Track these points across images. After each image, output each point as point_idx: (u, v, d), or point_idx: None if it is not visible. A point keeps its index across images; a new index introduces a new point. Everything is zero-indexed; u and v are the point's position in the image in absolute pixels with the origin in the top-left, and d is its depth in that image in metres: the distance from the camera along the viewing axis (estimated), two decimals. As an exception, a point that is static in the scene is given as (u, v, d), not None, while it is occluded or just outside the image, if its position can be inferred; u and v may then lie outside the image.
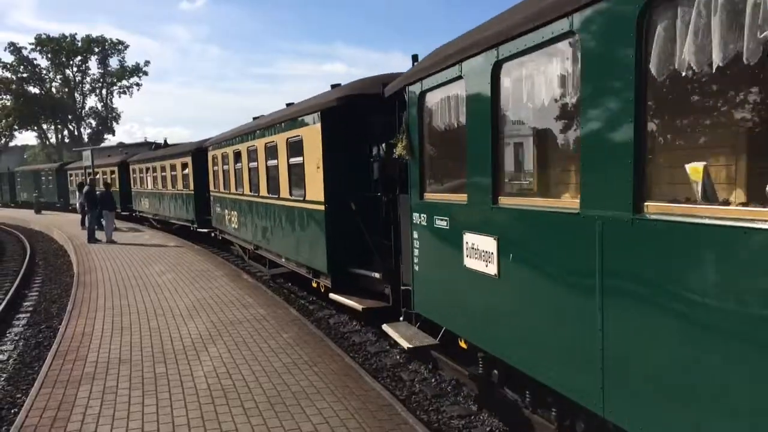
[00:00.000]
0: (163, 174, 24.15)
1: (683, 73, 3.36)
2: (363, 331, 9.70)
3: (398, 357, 8.35)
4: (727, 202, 3.70)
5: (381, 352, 8.64)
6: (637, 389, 3.71)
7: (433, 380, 7.40)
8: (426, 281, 7.01)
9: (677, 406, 3.42)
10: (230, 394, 6.11)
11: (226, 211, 17.08)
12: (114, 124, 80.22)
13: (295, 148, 10.81)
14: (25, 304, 13.07)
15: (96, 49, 76.33)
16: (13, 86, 73.91)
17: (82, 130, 78.43)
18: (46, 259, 19.68)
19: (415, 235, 7.11)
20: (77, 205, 25.68)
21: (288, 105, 12.52)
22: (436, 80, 6.34)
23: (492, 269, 5.34)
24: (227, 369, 6.89)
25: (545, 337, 4.63)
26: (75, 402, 6.02)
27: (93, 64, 77.75)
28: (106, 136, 78.02)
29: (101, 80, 77.96)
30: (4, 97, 74.44)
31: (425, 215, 6.79)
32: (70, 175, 40.44)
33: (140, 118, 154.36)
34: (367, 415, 5.52)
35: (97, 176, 30.65)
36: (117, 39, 78.17)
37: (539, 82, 4.69)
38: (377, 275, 8.87)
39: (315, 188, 9.94)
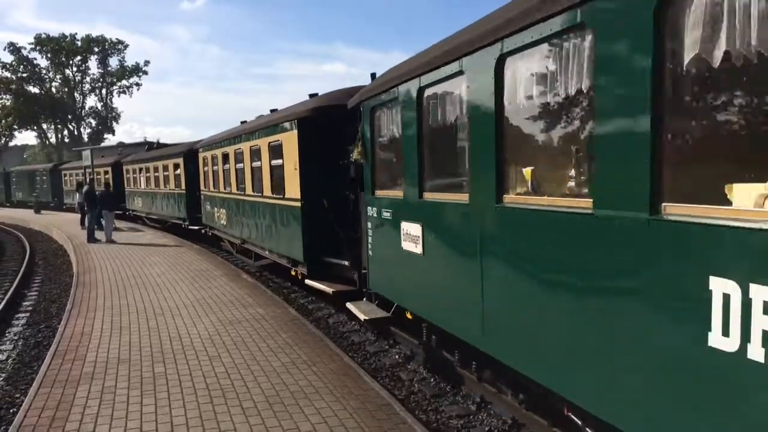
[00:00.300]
0: (156, 174, 25.02)
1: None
2: (362, 330, 9.70)
3: (397, 357, 8.35)
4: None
5: (380, 352, 8.64)
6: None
7: (432, 380, 7.40)
8: (377, 263, 8.31)
9: (524, 339, 4.86)
10: (229, 393, 6.11)
11: (216, 209, 18.11)
12: (114, 123, 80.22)
13: (276, 151, 11.96)
14: (25, 303, 13.07)
15: (96, 49, 76.35)
16: (13, 86, 73.90)
17: (81, 129, 78.43)
18: (45, 259, 19.68)
19: (369, 225, 8.42)
20: (76, 204, 25.85)
21: (272, 111, 13.66)
22: (381, 99, 7.68)
23: (419, 249, 6.74)
24: (226, 369, 6.89)
25: (452, 298, 6.06)
26: (74, 401, 6.02)
27: (93, 64, 77.83)
28: (105, 135, 78.03)
29: (101, 80, 77.97)
30: (4, 96, 74.45)
31: (375, 208, 8.11)
32: (65, 175, 41.39)
33: (140, 118, 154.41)
34: (366, 415, 5.52)
35: (90, 175, 30.14)
36: (117, 39, 78.17)
37: (449, 107, 6.16)
38: (346, 263, 9.96)
39: (293, 187, 11.09)
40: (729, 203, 3.14)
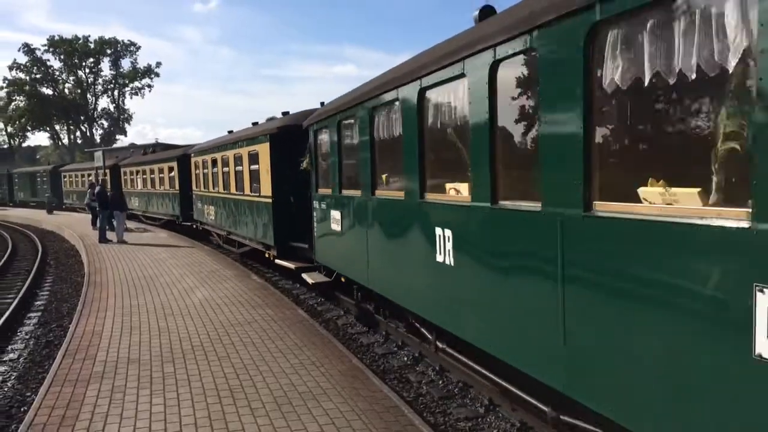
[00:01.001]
0: (152, 176, 27.49)
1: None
2: (371, 333, 9.70)
3: (406, 359, 8.34)
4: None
5: (388, 354, 8.63)
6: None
7: (440, 382, 7.39)
8: (320, 242, 11.35)
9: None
10: (237, 394, 6.13)
11: (205, 206, 20.66)
12: (126, 125, 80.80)
13: (254, 158, 14.72)
14: (37, 303, 13.17)
15: (108, 51, 76.93)
16: (27, 87, 74.58)
17: (94, 131, 79.04)
18: (57, 259, 19.83)
19: (315, 215, 11.52)
20: (86, 205, 26.47)
21: (253, 124, 16.43)
22: (319, 125, 10.93)
23: (338, 228, 9.93)
24: (234, 369, 6.92)
25: (355, 259, 9.16)
26: (84, 401, 6.06)
27: (105, 66, 78.29)
28: (117, 137, 78.64)
29: (113, 81, 78.57)
30: (18, 98, 75.15)
31: (318, 202, 11.29)
32: (64, 177, 43.96)
33: (152, 119, 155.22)
34: (374, 417, 5.52)
35: (90, 177, 34.81)
36: (129, 40, 78.73)
37: (358, 134, 8.74)
38: (306, 245, 12.53)
39: (266, 187, 13.84)
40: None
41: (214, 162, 18.78)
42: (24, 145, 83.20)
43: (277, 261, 13.56)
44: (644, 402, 3.65)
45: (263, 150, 13.93)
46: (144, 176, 28.67)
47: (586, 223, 4.03)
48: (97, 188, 22.34)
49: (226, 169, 17.42)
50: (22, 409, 7.02)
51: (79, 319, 9.69)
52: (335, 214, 10.06)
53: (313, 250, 11.80)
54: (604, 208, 3.93)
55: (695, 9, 3.27)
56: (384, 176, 8.07)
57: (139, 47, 78.90)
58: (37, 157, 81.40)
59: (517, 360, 5.11)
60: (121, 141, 74.98)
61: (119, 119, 79.70)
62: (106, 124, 79.64)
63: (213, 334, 8.45)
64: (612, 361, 3.91)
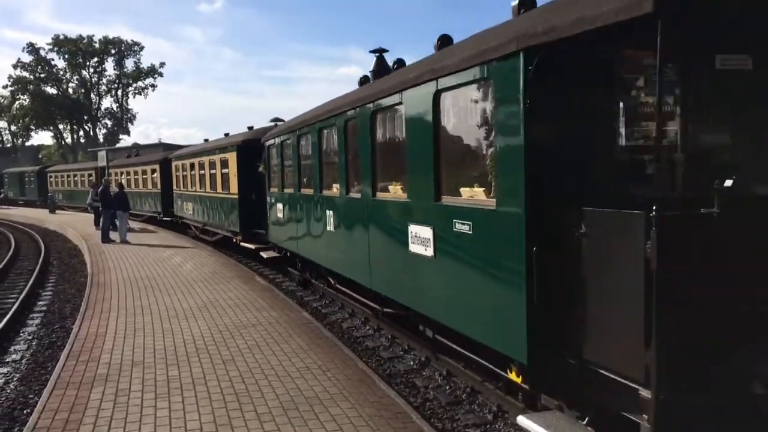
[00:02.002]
0: (136, 177, 30.95)
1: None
2: (376, 336, 9.62)
3: (412, 363, 8.25)
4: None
5: (394, 358, 8.54)
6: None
7: (447, 387, 7.30)
8: (272, 227, 14.85)
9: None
10: (243, 398, 6.05)
11: (184, 203, 24.00)
12: (129, 125, 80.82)
13: (224, 163, 18.38)
14: (39, 303, 13.10)
15: (112, 51, 76.98)
16: (31, 86, 74.65)
17: (97, 130, 79.07)
18: (60, 259, 19.77)
19: (268, 207, 14.97)
20: (88, 205, 26.90)
21: (226, 135, 20.55)
22: (270, 141, 14.55)
23: (282, 216, 13.53)
24: (240, 372, 6.84)
25: (291, 235, 12.72)
26: (87, 404, 5.99)
27: (109, 65, 78.35)
28: (121, 136, 78.65)
29: (117, 81, 78.61)
30: (22, 96, 75.23)
31: (269, 197, 14.81)
32: (50, 177, 47.72)
33: (155, 119, 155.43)
34: (382, 423, 5.44)
35: (77, 178, 40.40)
36: (133, 40, 78.76)
37: (297, 150, 12.03)
38: (263, 231, 15.72)
39: (233, 186, 17.47)
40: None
41: (192, 166, 22.27)
42: (27, 144, 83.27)
43: (242, 244, 17.01)
44: (387, 279, 8.06)
45: (231, 157, 17.59)
46: (128, 177, 31.89)
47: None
48: (100, 188, 22.31)
49: (202, 172, 20.90)
50: (24, 412, 6.95)
51: (83, 320, 9.62)
52: (280, 206, 13.83)
53: (268, 233, 15.28)
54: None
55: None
56: (305, 179, 11.81)
57: (142, 47, 78.98)
58: (40, 156, 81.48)
59: (353, 275, 9.38)
60: (125, 141, 75.04)
61: (122, 119, 79.75)
62: (109, 123, 79.70)
63: (218, 337, 8.38)
64: (384, 268, 8.05)
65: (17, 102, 75.89)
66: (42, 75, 75.43)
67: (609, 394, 4.35)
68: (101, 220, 21.56)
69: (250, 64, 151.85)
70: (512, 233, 4.98)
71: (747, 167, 4.21)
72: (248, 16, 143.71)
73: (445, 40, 7.15)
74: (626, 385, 4.12)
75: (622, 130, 4.47)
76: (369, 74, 9.91)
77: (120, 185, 24.07)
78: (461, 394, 7.05)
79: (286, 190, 13.07)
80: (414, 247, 6.86)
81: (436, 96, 6.30)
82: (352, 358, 7.52)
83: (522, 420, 4.95)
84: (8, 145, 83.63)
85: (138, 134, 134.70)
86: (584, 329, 4.50)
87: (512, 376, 5.56)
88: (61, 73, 76.97)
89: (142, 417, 5.64)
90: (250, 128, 18.42)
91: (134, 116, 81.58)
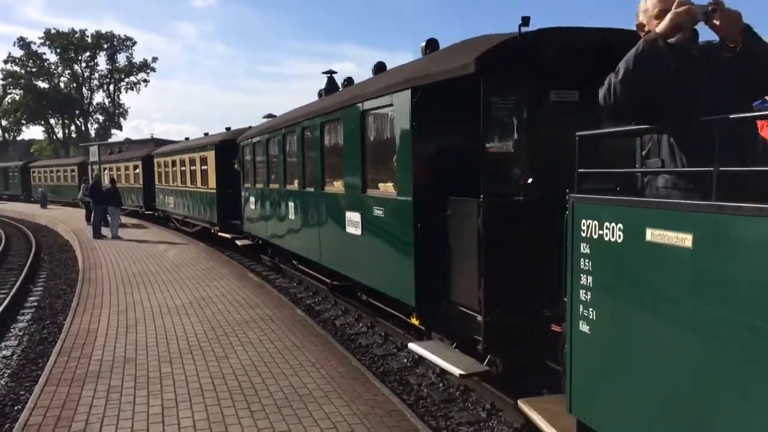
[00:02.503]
0: (119, 173, 32.65)
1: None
2: (369, 333, 9.60)
3: (405, 360, 8.24)
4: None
5: (388, 355, 8.53)
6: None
7: (441, 385, 7.29)
8: (246, 218, 16.22)
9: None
10: (236, 395, 6.02)
11: (166, 197, 25.68)
12: (121, 120, 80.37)
13: (203, 161, 20.14)
14: (30, 299, 13.02)
15: (105, 45, 76.51)
16: (22, 80, 74.10)
17: (89, 125, 78.60)
18: (51, 254, 19.66)
19: (242, 201, 16.50)
20: (79, 200, 27.18)
21: (205, 134, 22.74)
22: (244, 142, 16.29)
23: (254, 208, 15.18)
24: (233, 370, 6.81)
25: (260, 223, 14.71)
26: (79, 401, 5.94)
27: (101, 60, 77.87)
28: (113, 131, 78.23)
29: (109, 76, 78.13)
30: (13, 91, 74.69)
31: (244, 192, 16.32)
32: (33, 172, 49.64)
33: (148, 114, 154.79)
34: (376, 421, 5.42)
35: (59, 173, 42.96)
36: (125, 35, 78.35)
37: (266, 151, 14.01)
38: (238, 222, 17.15)
39: (212, 181, 19.09)
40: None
41: (174, 162, 24.04)
42: (19, 138, 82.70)
43: (220, 234, 18.68)
44: (332, 255, 9.97)
45: (210, 155, 19.36)
46: (111, 173, 32.98)
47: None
48: (91, 183, 22.18)
49: (183, 168, 22.65)
50: (15, 408, 6.89)
51: (74, 316, 9.56)
52: (252, 199, 15.37)
53: (242, 224, 16.69)
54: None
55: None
56: (272, 176, 13.60)
57: (135, 42, 78.49)
58: (31, 151, 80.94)
59: (309, 254, 11.31)
60: (116, 136, 74.64)
61: (114, 114, 79.31)
62: (101, 118, 79.25)
63: (210, 334, 8.34)
64: (330, 246, 9.91)
65: (8, 96, 75.35)
66: (33, 69, 74.91)
67: (464, 323, 6.31)
68: (93, 215, 21.44)
69: (243, 59, 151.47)
70: (406, 215, 6.97)
71: (554, 170, 5.19)
72: (241, 12, 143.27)
73: (380, 67, 9.30)
74: (471, 314, 6.12)
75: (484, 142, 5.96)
76: (322, 91, 12.46)
77: (112, 180, 23.95)
78: (455, 392, 7.05)
79: (258, 185, 14.90)
80: (349, 228, 8.85)
81: (362, 114, 8.26)
82: (346, 356, 7.50)
83: (412, 346, 7.20)
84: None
85: (130, 129, 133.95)
86: (449, 279, 6.54)
87: (413, 320, 7.77)
88: (53, 67, 76.49)
89: (134, 414, 5.60)
90: (228, 129, 20.54)
91: (126, 111, 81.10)
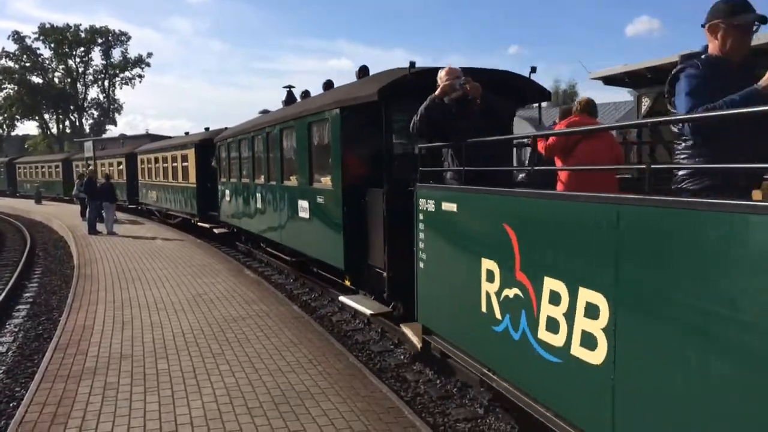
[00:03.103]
0: (103, 169, 33.27)
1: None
2: (366, 329, 9.60)
3: (402, 357, 8.24)
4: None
5: (385, 352, 8.52)
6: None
7: (438, 382, 7.29)
8: (222, 208, 18.19)
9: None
10: (233, 392, 6.00)
11: (149, 192, 27.62)
12: (116, 115, 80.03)
13: (184, 158, 22.01)
14: (25, 295, 12.97)
15: (99, 40, 76.13)
16: (16, 75, 73.67)
17: (84, 121, 78.25)
18: (46, 250, 19.58)
19: (219, 193, 18.38)
20: (74, 196, 27.30)
21: (186, 134, 25.37)
22: (220, 142, 18.08)
23: (228, 200, 17.40)
24: (230, 366, 6.79)
25: (234, 212, 16.89)
26: (76, 398, 5.91)
27: (96, 55, 77.52)
28: (107, 127, 77.90)
29: (104, 71, 77.79)
30: (8, 86, 74.24)
31: (220, 185, 18.18)
32: (18, 168, 51.49)
33: (142, 110, 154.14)
34: (374, 417, 5.42)
35: (43, 169, 44.84)
36: (120, 30, 77.96)
37: (239, 150, 16.24)
38: (216, 213, 19.15)
39: (192, 176, 20.96)
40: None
41: (157, 159, 25.95)
42: (13, 134, 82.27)
43: (199, 224, 20.58)
44: (289, 236, 12.19)
45: (191, 153, 21.20)
46: (103, 169, 34.72)
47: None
48: (86, 179, 22.09)
49: (165, 165, 24.43)
50: (11, 405, 6.87)
51: (70, 312, 9.52)
52: (228, 192, 17.40)
53: (219, 214, 18.70)
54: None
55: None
56: (244, 172, 15.67)
57: (129, 37, 78.16)
58: (26, 146, 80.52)
59: (273, 237, 13.34)
60: (111, 131, 74.35)
61: (109, 109, 78.97)
62: (95, 113, 78.91)
63: (207, 330, 8.32)
64: (288, 229, 11.98)
65: (3, 91, 74.94)
66: (27, 64, 74.49)
67: (377, 280, 8.55)
68: (88, 211, 21.36)
69: (238, 55, 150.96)
70: (337, 201, 9.22)
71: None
72: (237, 8, 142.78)
73: (329, 84, 11.45)
74: (380, 272, 8.34)
75: (388, 148, 8.20)
76: (282, 103, 14.81)
77: (107, 176, 23.85)
78: (452, 388, 7.05)
79: (232, 180, 16.91)
80: (301, 213, 11.08)
81: (309, 125, 10.53)
82: (343, 353, 7.48)
83: (341, 298, 9.58)
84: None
85: (125, 125, 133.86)
86: (368, 248, 8.80)
87: (346, 282, 9.96)
88: (47, 62, 76.09)
89: (131, 411, 5.58)
90: (207, 129, 22.44)
91: (121, 107, 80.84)
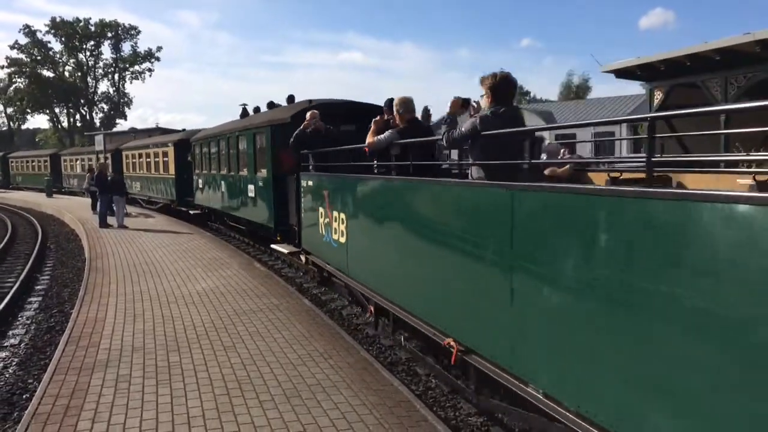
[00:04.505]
0: (90, 163, 37.13)
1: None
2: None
3: (413, 350, 8.21)
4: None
5: (395, 346, 8.50)
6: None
7: (449, 376, 7.26)
8: (197, 194, 22.42)
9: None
10: (245, 385, 6.01)
11: (133, 183, 31.14)
12: (126, 109, 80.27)
13: (165, 154, 26.32)
14: (37, 287, 13.04)
15: (109, 34, 76.30)
16: (27, 69, 73.98)
17: (94, 114, 78.54)
18: (57, 243, 19.69)
19: (194, 183, 22.59)
20: (85, 189, 27.57)
21: (165, 133, 30.96)
22: (194, 141, 22.80)
23: (202, 186, 21.65)
24: (241, 359, 6.80)
25: (206, 195, 21.25)
26: (88, 390, 5.93)
27: (106, 49, 77.67)
28: (118, 121, 78.18)
29: (114, 65, 78.00)
30: (18, 79, 74.59)
31: (195, 176, 22.55)
32: (11, 162, 56.26)
33: (153, 103, 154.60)
34: (385, 411, 5.40)
35: (34, 163, 50.49)
36: (129, 24, 78.13)
37: (207, 150, 21.12)
38: (192, 198, 22.81)
39: (171, 169, 25.31)
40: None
41: (140, 155, 30.09)
42: (24, 127, 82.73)
43: (178, 208, 24.83)
44: (244, 210, 16.77)
45: (171, 150, 25.61)
46: (82, 163, 39.92)
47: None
48: (96, 172, 22.17)
49: (148, 160, 28.69)
50: (24, 397, 6.91)
51: (81, 305, 9.56)
52: (201, 181, 21.53)
53: (194, 199, 22.62)
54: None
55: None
56: (212, 165, 19.80)
57: (139, 31, 78.28)
58: (37, 140, 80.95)
59: (234, 213, 17.63)
60: (121, 125, 74.62)
61: (119, 103, 79.24)
62: (106, 107, 79.18)
63: (218, 323, 8.33)
64: (242, 205, 16.67)
65: (14, 84, 75.29)
66: (38, 57, 74.80)
67: (293, 233, 12.36)
68: (98, 204, 21.45)
69: (246, 49, 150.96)
70: (269, 185, 13.87)
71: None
72: (244, 1, 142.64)
73: (291, 98, 15.45)
74: (295, 228, 12.20)
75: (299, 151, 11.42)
76: (239, 116, 18.98)
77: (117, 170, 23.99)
78: (463, 383, 7.02)
79: (203, 171, 21.19)
80: (249, 194, 15.55)
81: (254, 134, 15.15)
82: (354, 346, 7.48)
83: (272, 246, 13.52)
84: (4, 129, 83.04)
85: (135, 118, 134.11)
86: (288, 213, 12.90)
87: (278, 238, 13.57)
88: (58, 56, 76.36)
89: (143, 403, 5.59)
90: (184, 130, 28.53)
91: (131, 100, 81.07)
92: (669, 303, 3.21)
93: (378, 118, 8.38)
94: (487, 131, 5.37)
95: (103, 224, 20.38)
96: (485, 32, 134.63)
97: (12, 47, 73.26)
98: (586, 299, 3.85)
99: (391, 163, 7.67)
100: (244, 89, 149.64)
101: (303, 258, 11.76)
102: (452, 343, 5.56)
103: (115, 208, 20.99)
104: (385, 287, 7.64)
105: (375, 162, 8.22)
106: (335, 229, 9.10)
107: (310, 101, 13.45)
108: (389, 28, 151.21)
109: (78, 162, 40.83)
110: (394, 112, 7.93)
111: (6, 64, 73.55)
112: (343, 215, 8.77)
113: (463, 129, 5.70)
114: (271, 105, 16.17)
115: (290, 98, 15.41)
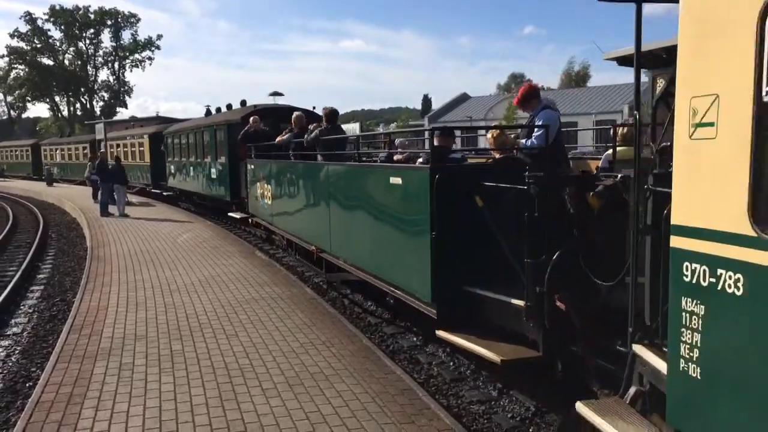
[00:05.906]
0: (69, 152, 43.27)
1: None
2: (378, 311, 9.59)
3: (415, 339, 8.23)
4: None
5: (397, 334, 8.52)
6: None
7: (451, 364, 7.28)
8: (169, 178, 26.61)
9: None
10: (248, 373, 6.02)
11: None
12: (126, 97, 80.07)
13: (141, 144, 30.40)
14: (39, 276, 13.05)
15: (109, 22, 75.97)
16: (27, 57, 73.72)
17: (94, 103, 78.35)
18: (58, 232, 19.69)
19: (167, 169, 26.92)
20: (86, 178, 27.77)
21: (140, 126, 34.44)
22: (167, 134, 26.61)
23: (174, 171, 25.77)
24: (244, 348, 6.81)
25: (179, 178, 25.12)
26: (91, 378, 5.95)
27: (106, 37, 77.35)
28: (118, 109, 78.01)
29: (114, 53, 77.71)
30: (18, 67, 74.35)
31: (167, 163, 26.68)
32: (0, 151, 61.00)
33: (154, 92, 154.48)
34: (388, 399, 5.42)
35: (15, 152, 55.98)
36: (129, 12, 77.78)
37: (179, 143, 25.05)
38: (165, 182, 27.07)
39: (147, 157, 29.56)
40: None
41: (118, 145, 33.29)
42: (24, 116, 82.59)
43: (152, 190, 28.49)
44: (206, 190, 21.20)
45: (146, 141, 29.44)
46: (63, 152, 44.49)
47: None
48: (97, 161, 22.16)
49: (125, 149, 32.28)
50: (27, 385, 6.92)
51: (83, 293, 9.57)
52: (172, 167, 25.39)
53: (167, 182, 26.21)
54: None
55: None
56: (181, 153, 23.94)
57: (139, 19, 77.96)
58: (37, 128, 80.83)
59: (198, 191, 22.12)
60: (122, 113, 74.47)
61: (119, 92, 79.04)
62: (106, 96, 78.99)
63: (220, 311, 8.34)
64: (205, 185, 21.13)
65: (14, 72, 75.09)
66: (38, 45, 74.52)
67: (245, 205, 16.82)
68: (99, 193, 21.45)
69: (245, 37, 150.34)
70: (226, 166, 18.17)
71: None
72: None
73: (243, 102, 20.24)
74: (245, 200, 16.72)
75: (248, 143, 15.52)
76: (204, 114, 23.92)
77: (117, 158, 23.95)
78: (465, 370, 7.04)
79: (174, 159, 25.08)
80: (212, 175, 19.45)
81: (214, 130, 19.35)
82: (356, 334, 7.49)
83: (230, 214, 18.30)
84: (4, 117, 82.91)
85: (136, 107, 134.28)
86: (239, 189, 17.45)
87: (234, 208, 17.91)
88: (58, 44, 76.08)
89: (146, 391, 5.61)
90: (160, 123, 32.05)
91: (131, 89, 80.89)
92: (371, 211, 8.13)
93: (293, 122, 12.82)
94: (324, 137, 10.33)
95: (105, 213, 20.39)
96: (487, 20, 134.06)
97: (12, 35, 73.02)
98: (354, 216, 8.77)
99: (291, 152, 12.45)
100: (243, 77, 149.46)
101: (251, 220, 16.02)
102: (314, 248, 10.57)
103: (116, 197, 20.99)
104: (289, 228, 12.66)
105: (291, 152, 12.38)
106: (265, 195, 13.90)
107: (255, 106, 18.71)
108: (389, 15, 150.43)
109: (57, 152, 45.37)
110: (292, 122, 12.76)
111: (6, 52, 73.34)
112: (268, 186, 13.67)
113: (311, 136, 10.70)
114: (229, 107, 21.96)
115: (243, 102, 20.79)
